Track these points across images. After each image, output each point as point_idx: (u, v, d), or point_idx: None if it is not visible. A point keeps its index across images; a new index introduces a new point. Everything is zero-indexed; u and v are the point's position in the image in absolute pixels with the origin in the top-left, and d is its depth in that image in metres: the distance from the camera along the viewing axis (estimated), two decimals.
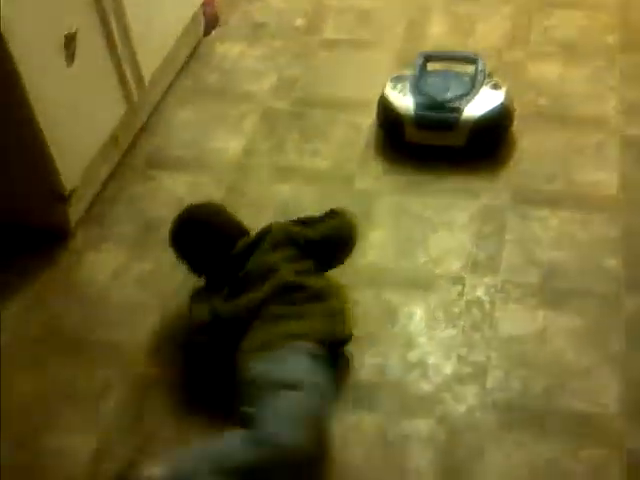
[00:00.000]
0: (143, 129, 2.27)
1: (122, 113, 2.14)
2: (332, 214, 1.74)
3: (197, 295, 1.70)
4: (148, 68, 2.22)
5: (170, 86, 2.40)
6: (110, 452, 1.56)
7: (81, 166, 1.99)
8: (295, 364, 1.47)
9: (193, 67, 2.48)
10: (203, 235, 1.74)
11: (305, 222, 1.73)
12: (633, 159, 2.07)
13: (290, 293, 1.58)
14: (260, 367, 1.47)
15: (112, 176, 2.14)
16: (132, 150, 2.21)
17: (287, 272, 1.61)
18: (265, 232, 1.70)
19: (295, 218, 1.75)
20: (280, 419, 1.39)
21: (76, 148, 1.95)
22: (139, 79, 2.19)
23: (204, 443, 1.46)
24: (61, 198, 1.95)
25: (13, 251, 1.97)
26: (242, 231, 1.76)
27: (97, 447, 1.57)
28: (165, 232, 1.98)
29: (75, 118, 1.93)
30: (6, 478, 1.53)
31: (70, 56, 1.88)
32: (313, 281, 1.62)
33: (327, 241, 1.69)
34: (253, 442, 1.38)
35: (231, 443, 1.41)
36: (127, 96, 2.15)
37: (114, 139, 2.13)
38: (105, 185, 2.11)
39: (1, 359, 1.73)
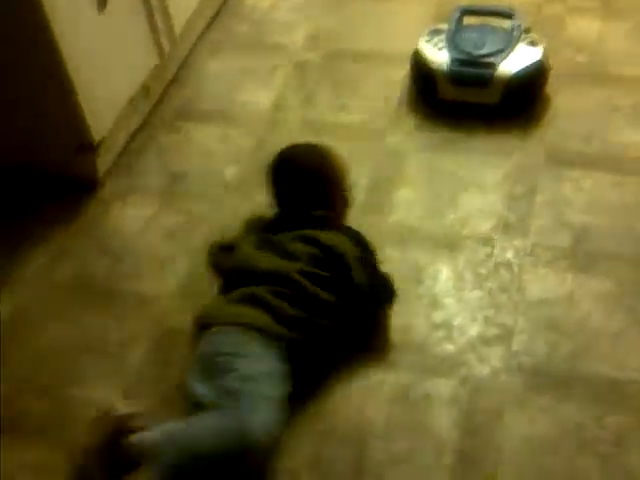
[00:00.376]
0: (173, 80, 2.26)
1: (153, 63, 2.14)
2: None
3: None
4: (179, 18, 2.21)
5: (200, 37, 2.38)
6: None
7: (111, 116, 1.99)
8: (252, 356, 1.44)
9: (223, 18, 2.46)
10: (299, 180, 1.67)
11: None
12: None
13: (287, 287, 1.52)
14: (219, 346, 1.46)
15: (141, 127, 2.13)
16: (162, 101, 2.21)
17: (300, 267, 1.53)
18: (335, 249, 1.58)
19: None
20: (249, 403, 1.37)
21: (106, 97, 1.95)
22: (170, 29, 2.17)
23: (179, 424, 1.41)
24: (90, 148, 1.96)
25: (41, 200, 1.99)
26: (328, 203, 1.67)
27: (123, 398, 1.58)
28: (192, 184, 2.00)
29: (106, 67, 1.93)
30: (32, 426, 1.56)
31: (102, 2, 1.87)
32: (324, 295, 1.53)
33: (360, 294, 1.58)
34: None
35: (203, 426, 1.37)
36: (158, 46, 2.14)
37: (145, 90, 2.12)
38: (134, 136, 2.11)
39: (28, 310, 1.76)
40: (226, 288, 1.60)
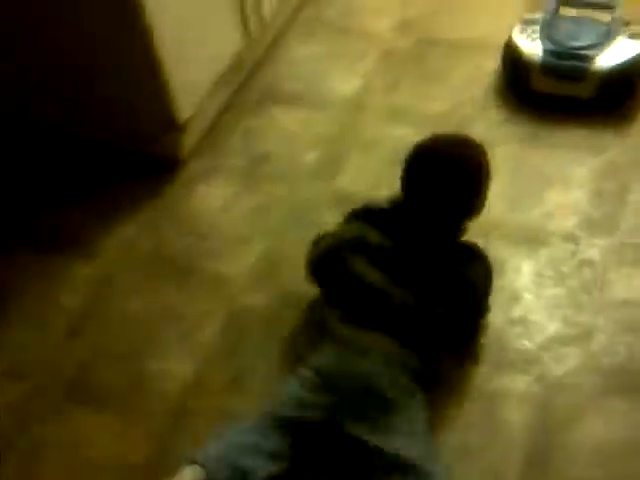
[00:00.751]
0: (260, 63, 2.29)
1: (240, 45, 2.17)
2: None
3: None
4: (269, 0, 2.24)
5: (289, 21, 2.41)
6: (204, 381, 1.63)
7: (197, 95, 2.04)
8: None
9: (313, 2, 2.47)
10: (451, 183, 1.48)
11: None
12: None
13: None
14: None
15: (227, 107, 2.18)
16: (248, 82, 2.24)
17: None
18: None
19: None
20: None
21: (193, 77, 2.00)
22: (259, 10, 2.20)
23: None
24: (176, 127, 2.01)
25: (126, 177, 2.05)
26: (467, 212, 1.53)
27: (195, 373, 1.64)
28: (274, 166, 2.03)
29: (194, 46, 1.97)
30: (108, 395, 1.62)
31: None
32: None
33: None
34: None
35: None
36: (246, 28, 2.17)
37: (231, 70, 2.16)
38: (219, 116, 2.16)
39: (110, 279, 1.83)
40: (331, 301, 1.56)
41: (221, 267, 1.82)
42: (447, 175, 1.47)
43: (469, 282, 1.51)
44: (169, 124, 1.99)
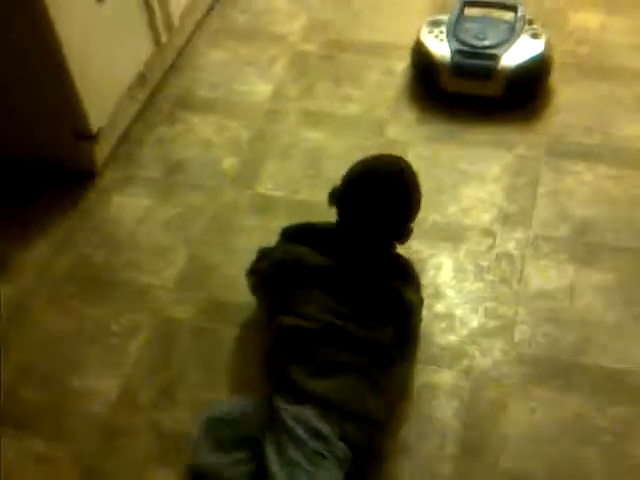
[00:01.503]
0: (171, 70, 2.29)
1: (150, 52, 2.16)
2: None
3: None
4: (177, 6, 2.24)
5: (198, 26, 2.42)
6: (134, 395, 1.62)
7: (108, 105, 2.02)
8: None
9: (222, 7, 2.49)
10: (387, 204, 1.53)
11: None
12: None
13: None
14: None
15: (139, 116, 2.16)
16: (160, 91, 2.24)
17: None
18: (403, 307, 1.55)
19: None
20: None
21: (104, 87, 1.98)
22: (167, 17, 2.20)
23: None
24: (88, 137, 1.99)
25: (40, 190, 2.01)
26: (399, 234, 1.57)
27: (122, 389, 1.62)
28: (191, 174, 2.03)
29: (103, 56, 1.95)
30: (30, 417, 1.59)
31: None
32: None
33: None
34: None
35: None
36: (156, 35, 2.17)
37: (142, 79, 2.16)
38: (132, 125, 2.14)
39: (28, 299, 1.79)
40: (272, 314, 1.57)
41: (144, 279, 1.81)
42: (383, 193, 1.53)
43: (407, 304, 1.55)
44: (82, 135, 1.97)
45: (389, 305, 1.53)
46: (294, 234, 1.65)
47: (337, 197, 1.57)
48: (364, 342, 1.47)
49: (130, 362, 1.67)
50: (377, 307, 1.52)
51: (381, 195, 1.53)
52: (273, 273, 1.59)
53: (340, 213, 1.58)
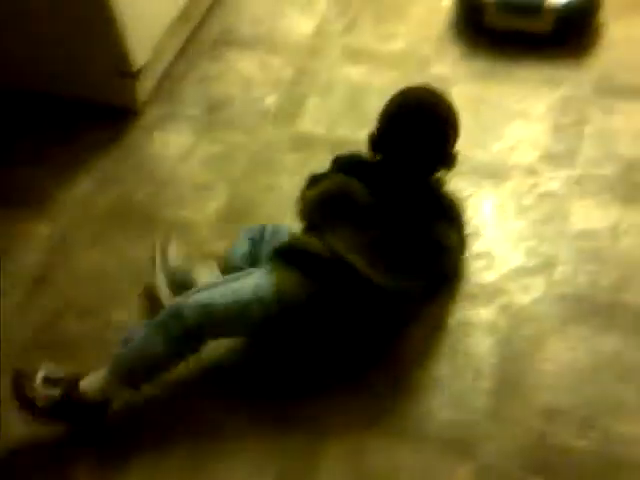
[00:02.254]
0: (214, 6, 2.31)
1: None
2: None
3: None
4: None
5: None
6: None
7: (150, 42, 2.05)
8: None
9: None
10: (427, 134, 1.57)
11: None
12: None
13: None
14: None
15: (181, 53, 2.20)
16: (202, 27, 2.26)
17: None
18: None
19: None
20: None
21: (145, 23, 2.01)
22: None
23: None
24: (130, 74, 2.02)
25: (82, 128, 2.07)
26: (442, 161, 1.61)
27: None
28: (233, 112, 2.06)
29: None
30: (73, 348, 1.65)
31: None
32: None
33: None
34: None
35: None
36: None
37: (184, 15, 2.18)
38: (174, 62, 2.18)
39: (72, 235, 1.85)
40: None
41: (184, 215, 1.86)
42: (422, 124, 1.57)
43: (442, 244, 1.57)
44: (124, 72, 2.01)
45: (423, 248, 1.56)
46: (345, 164, 1.66)
47: (375, 137, 1.61)
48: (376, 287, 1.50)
49: None
50: (410, 254, 1.54)
51: (417, 125, 1.57)
52: (318, 202, 1.62)
53: (381, 150, 1.61)
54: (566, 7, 2.05)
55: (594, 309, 1.62)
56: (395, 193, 1.59)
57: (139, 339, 1.49)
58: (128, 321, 1.67)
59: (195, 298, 1.49)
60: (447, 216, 1.63)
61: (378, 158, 1.62)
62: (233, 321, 1.50)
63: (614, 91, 1.99)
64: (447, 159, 1.61)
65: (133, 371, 1.49)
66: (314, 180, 1.67)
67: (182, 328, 1.46)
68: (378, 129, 1.62)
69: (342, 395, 1.54)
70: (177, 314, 1.47)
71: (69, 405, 1.46)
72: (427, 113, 1.59)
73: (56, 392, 1.46)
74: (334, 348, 1.57)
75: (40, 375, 1.47)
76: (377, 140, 1.61)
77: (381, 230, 1.55)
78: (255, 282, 1.51)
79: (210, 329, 1.49)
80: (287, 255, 1.55)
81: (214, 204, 1.87)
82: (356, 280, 1.50)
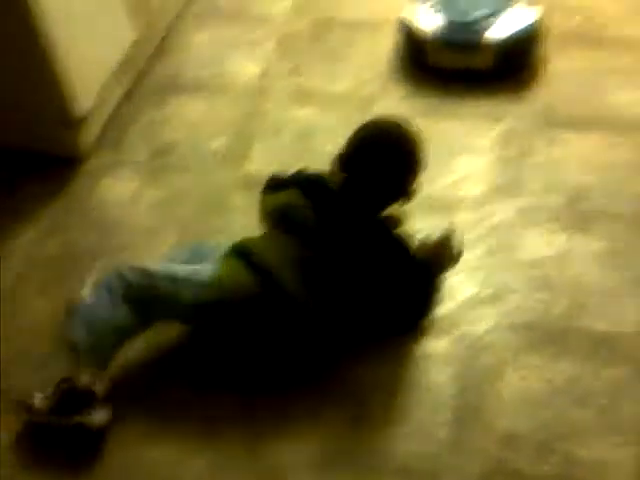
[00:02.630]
0: (158, 52, 2.33)
1: (135, 34, 2.20)
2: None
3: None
4: None
5: (183, 8, 2.45)
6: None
7: (94, 88, 2.06)
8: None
9: None
10: (391, 164, 1.64)
11: None
12: None
13: None
14: None
15: (126, 99, 2.21)
16: (146, 72, 2.28)
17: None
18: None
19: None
20: None
21: (89, 70, 2.02)
22: None
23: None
24: (74, 122, 2.03)
25: (27, 178, 2.06)
26: (402, 192, 1.67)
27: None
28: (180, 156, 2.08)
29: (88, 39, 1.99)
30: (24, 396, 1.61)
31: None
32: None
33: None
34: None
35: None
36: (141, 17, 2.21)
37: (127, 62, 2.19)
38: (119, 108, 2.18)
39: (19, 285, 1.83)
40: None
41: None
42: (386, 151, 1.65)
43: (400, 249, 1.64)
44: (67, 120, 2.01)
45: (354, 278, 1.60)
46: (304, 181, 1.69)
47: (342, 160, 1.65)
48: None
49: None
50: (341, 281, 1.59)
51: (384, 156, 1.63)
52: (268, 212, 1.70)
53: (345, 169, 1.65)
54: (505, 42, 2.11)
55: (547, 337, 1.64)
56: (344, 222, 1.61)
57: (88, 306, 1.58)
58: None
59: (137, 264, 1.62)
60: (387, 255, 1.64)
61: (340, 176, 1.65)
62: (171, 293, 1.57)
63: (556, 122, 2.05)
64: (405, 191, 1.66)
65: (94, 340, 1.55)
66: (274, 184, 1.73)
67: (125, 287, 1.56)
68: (345, 150, 1.66)
69: (298, 433, 1.54)
70: (119, 274, 1.58)
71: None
72: (393, 141, 1.66)
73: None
74: (289, 382, 1.58)
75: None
76: (343, 160, 1.66)
77: (315, 253, 1.59)
78: (200, 267, 1.61)
79: (150, 296, 1.56)
80: (238, 251, 1.62)
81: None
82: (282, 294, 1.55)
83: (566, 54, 2.22)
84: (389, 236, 1.65)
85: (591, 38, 2.26)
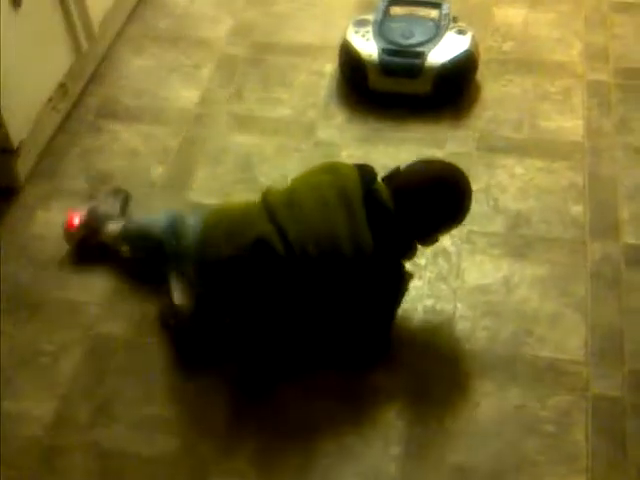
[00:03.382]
0: (94, 78, 2.28)
1: (71, 61, 2.15)
2: None
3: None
4: (97, 13, 2.22)
5: (120, 33, 2.40)
6: (70, 415, 1.60)
7: (29, 118, 2.00)
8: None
9: (143, 13, 2.48)
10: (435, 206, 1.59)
11: None
12: (598, 105, 2.15)
13: None
14: None
15: (62, 128, 2.15)
16: (83, 100, 2.22)
17: None
18: None
19: None
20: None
21: (23, 98, 1.96)
22: (88, 25, 2.19)
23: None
24: (9, 151, 1.96)
25: None
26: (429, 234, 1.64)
27: (57, 411, 1.60)
28: (117, 184, 2.01)
29: (21, 67, 1.93)
30: None
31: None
32: None
33: None
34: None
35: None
36: (75, 43, 2.16)
37: (63, 89, 2.14)
38: (54, 137, 2.12)
39: None
40: None
41: (73, 296, 1.79)
42: (449, 204, 1.61)
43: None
44: (2, 148, 1.95)
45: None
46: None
47: (395, 187, 1.59)
48: None
49: (64, 381, 1.65)
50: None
51: (444, 203, 1.59)
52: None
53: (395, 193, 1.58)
54: (442, 68, 2.12)
55: (495, 363, 1.64)
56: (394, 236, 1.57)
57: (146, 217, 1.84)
58: (19, 408, 1.60)
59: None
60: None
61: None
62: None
63: (495, 147, 2.07)
64: (432, 239, 1.63)
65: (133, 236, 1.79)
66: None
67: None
68: (404, 180, 1.60)
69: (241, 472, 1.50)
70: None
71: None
72: (458, 193, 1.62)
73: None
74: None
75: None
76: (396, 187, 1.59)
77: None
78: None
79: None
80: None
81: (103, 285, 1.80)
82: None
83: (501, 79, 2.25)
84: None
85: (523, 63, 2.29)
